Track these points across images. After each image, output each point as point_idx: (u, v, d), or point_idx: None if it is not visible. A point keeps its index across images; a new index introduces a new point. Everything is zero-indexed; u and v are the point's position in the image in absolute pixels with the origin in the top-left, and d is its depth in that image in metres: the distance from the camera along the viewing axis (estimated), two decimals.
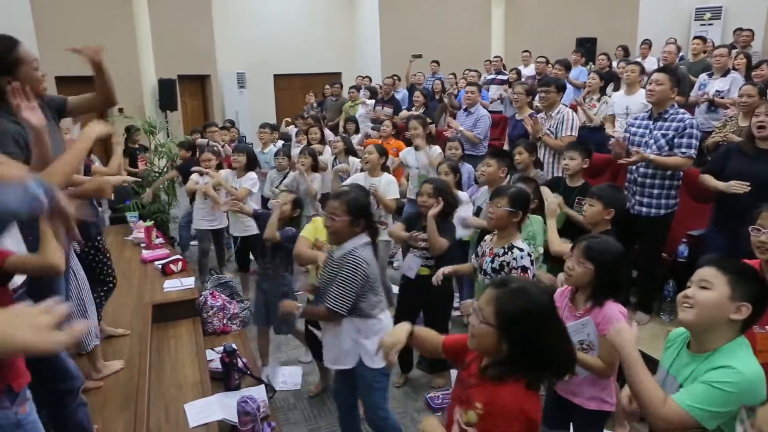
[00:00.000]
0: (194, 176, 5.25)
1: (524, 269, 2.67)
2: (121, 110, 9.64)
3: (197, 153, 6.13)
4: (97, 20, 9.19)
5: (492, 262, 2.79)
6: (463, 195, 4.03)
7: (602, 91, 6.34)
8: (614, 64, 8.05)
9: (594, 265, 2.16)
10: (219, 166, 5.38)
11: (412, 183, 5.21)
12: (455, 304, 3.99)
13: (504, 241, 2.80)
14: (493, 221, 2.82)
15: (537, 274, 2.97)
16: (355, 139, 7.28)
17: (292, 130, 7.65)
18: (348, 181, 4.73)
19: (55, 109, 2.49)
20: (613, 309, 2.14)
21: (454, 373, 3.74)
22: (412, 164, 5.23)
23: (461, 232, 3.76)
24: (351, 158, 5.65)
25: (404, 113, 7.57)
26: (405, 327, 1.92)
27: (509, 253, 2.73)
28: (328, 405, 3.49)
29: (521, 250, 2.72)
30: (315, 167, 5.27)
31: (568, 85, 6.99)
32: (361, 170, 4.84)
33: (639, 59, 7.61)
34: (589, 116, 5.90)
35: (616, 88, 6.89)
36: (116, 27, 9.52)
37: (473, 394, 1.57)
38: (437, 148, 5.26)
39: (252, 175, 4.94)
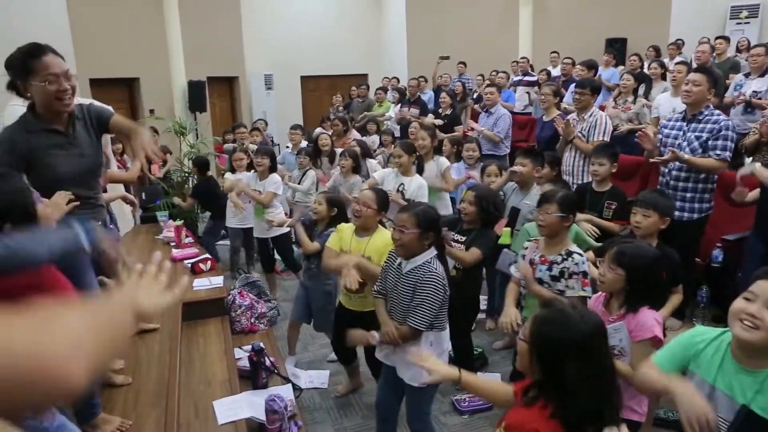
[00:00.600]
0: (228, 174, 5.39)
1: (585, 275, 2.62)
2: (151, 111, 9.85)
3: (208, 170, 6.23)
4: (129, 23, 9.42)
5: (549, 270, 2.73)
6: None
7: (635, 92, 6.23)
8: (645, 64, 7.90)
9: (626, 270, 2.12)
10: (250, 165, 5.45)
11: None
12: (482, 306, 3.97)
13: (558, 247, 2.74)
14: (545, 229, 2.75)
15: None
16: (374, 139, 7.33)
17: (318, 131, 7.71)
18: (378, 178, 4.67)
19: (97, 121, 2.52)
20: (648, 316, 2.09)
21: (481, 375, 3.73)
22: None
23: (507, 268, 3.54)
24: (368, 161, 5.66)
25: (430, 118, 7.56)
26: (454, 372, 1.93)
27: (568, 259, 2.67)
28: (354, 405, 3.50)
29: (580, 255, 2.67)
30: (356, 169, 5.24)
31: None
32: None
33: (666, 60, 7.47)
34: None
35: (647, 90, 6.77)
36: (148, 30, 9.73)
37: (506, 416, 1.59)
38: (444, 160, 4.96)
39: (275, 177, 5.01)
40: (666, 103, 5.32)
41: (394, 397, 2.77)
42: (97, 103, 3.22)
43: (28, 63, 2.19)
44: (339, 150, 6.01)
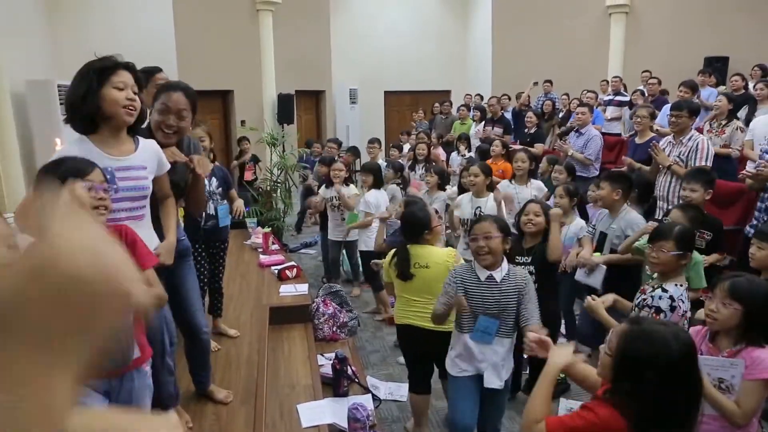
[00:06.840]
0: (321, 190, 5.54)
1: (658, 311, 2.47)
2: (242, 122, 10.38)
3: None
4: (227, 39, 10.02)
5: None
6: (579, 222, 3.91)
7: (732, 114, 5.86)
8: (750, 85, 7.44)
9: (743, 305, 1.99)
10: (349, 180, 5.41)
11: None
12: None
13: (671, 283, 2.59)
14: (657, 267, 2.59)
15: None
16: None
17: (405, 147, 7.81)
18: (456, 202, 4.74)
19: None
20: (763, 354, 1.97)
21: (563, 401, 3.62)
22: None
23: (584, 278, 3.63)
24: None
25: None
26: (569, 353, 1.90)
27: (656, 290, 2.54)
28: (430, 420, 3.51)
29: (665, 291, 2.51)
30: (441, 186, 5.31)
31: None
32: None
33: None
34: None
35: (751, 112, 6.38)
36: (244, 45, 10.31)
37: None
38: (541, 185, 4.98)
39: (374, 191, 5.09)
40: (762, 126, 5.00)
41: (474, 411, 2.73)
42: None
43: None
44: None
